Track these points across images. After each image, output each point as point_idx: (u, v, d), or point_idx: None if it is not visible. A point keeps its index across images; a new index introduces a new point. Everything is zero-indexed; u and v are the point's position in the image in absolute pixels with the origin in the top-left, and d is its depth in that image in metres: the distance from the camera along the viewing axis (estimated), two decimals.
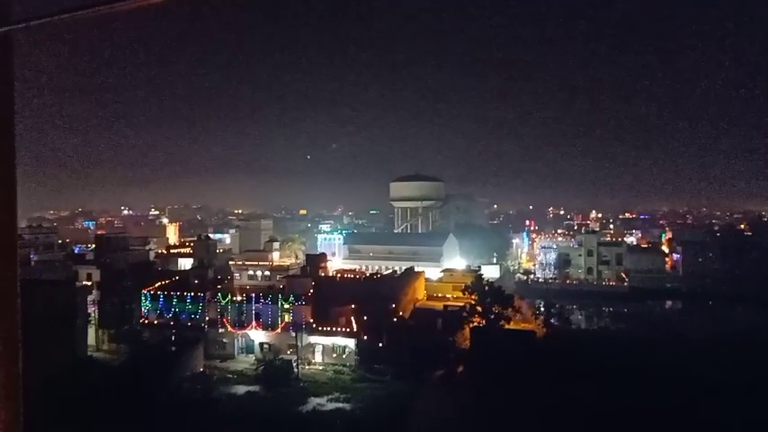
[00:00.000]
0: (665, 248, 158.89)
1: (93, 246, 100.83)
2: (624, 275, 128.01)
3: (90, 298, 67.64)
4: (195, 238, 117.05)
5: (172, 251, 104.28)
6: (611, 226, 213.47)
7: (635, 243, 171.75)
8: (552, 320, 67.57)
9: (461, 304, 66.07)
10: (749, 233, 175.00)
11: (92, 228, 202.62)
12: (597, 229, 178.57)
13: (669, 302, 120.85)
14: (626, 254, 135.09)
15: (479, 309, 63.01)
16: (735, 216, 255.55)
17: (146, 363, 52.38)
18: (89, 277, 73.64)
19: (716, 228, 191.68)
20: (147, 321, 66.26)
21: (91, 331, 66.39)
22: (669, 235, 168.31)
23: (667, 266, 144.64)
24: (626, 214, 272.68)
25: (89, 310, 66.15)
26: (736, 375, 50.57)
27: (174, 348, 59.20)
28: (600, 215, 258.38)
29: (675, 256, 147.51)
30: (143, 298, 66.86)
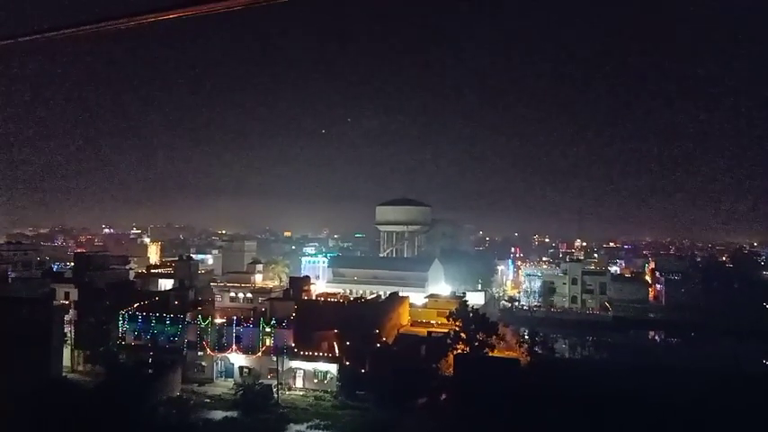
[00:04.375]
0: (647, 278, 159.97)
1: (72, 264, 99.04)
2: (608, 305, 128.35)
3: (66, 317, 65.96)
4: (177, 259, 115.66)
5: (152, 271, 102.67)
6: (596, 255, 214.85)
7: (618, 272, 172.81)
8: (536, 349, 67.03)
9: (445, 331, 65.48)
10: (731, 265, 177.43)
11: (72, 245, 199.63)
12: (582, 258, 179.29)
13: (652, 332, 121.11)
14: (610, 283, 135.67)
15: (463, 336, 62.43)
16: (717, 248, 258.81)
17: (121, 385, 50.94)
18: (67, 296, 71.95)
19: (698, 259, 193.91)
20: (124, 343, 64.68)
21: (66, 352, 64.57)
22: (652, 265, 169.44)
23: (650, 296, 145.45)
24: (610, 243, 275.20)
25: (65, 330, 64.45)
26: (718, 406, 50.28)
27: (150, 371, 57.68)
28: (584, 244, 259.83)
29: (658, 286, 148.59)
30: (121, 318, 65.36)
